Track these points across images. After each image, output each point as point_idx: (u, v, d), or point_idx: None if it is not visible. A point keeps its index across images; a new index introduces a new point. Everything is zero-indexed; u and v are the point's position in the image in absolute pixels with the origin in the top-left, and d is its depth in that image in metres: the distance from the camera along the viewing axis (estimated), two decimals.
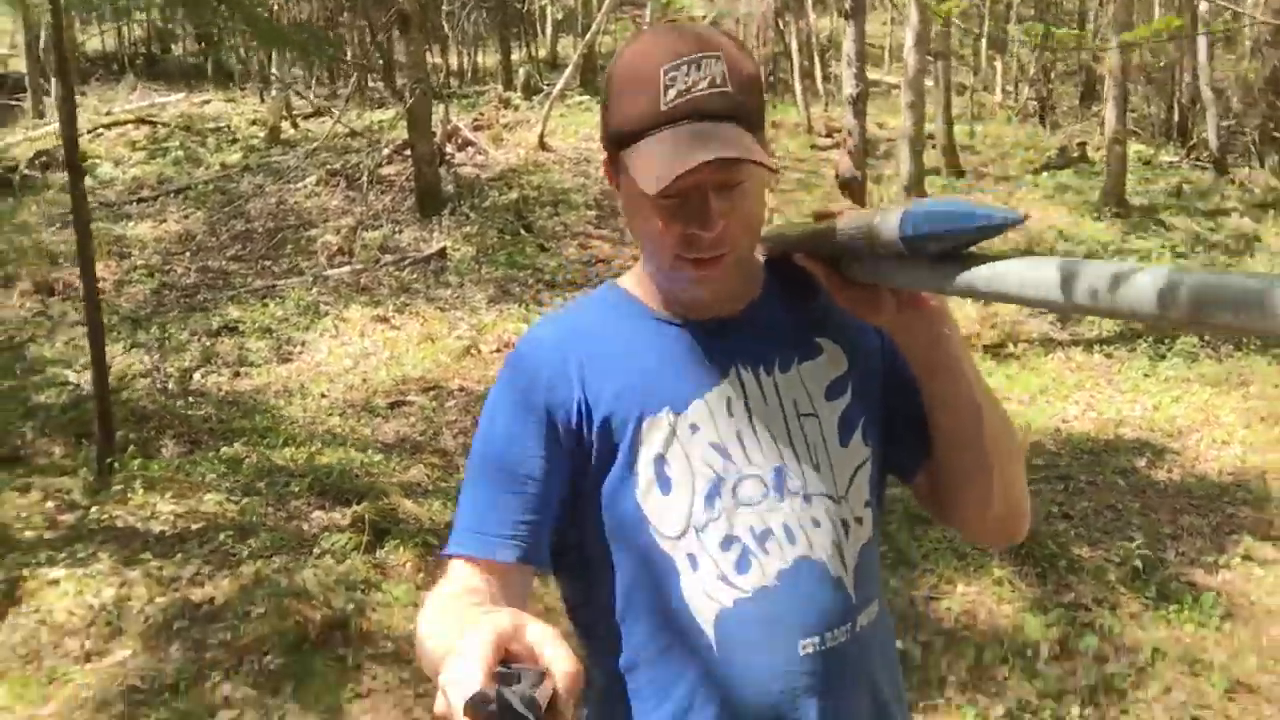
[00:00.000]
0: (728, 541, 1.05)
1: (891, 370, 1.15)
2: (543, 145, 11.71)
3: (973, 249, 0.86)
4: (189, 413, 6.28)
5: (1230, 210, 9.72)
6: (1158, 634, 3.94)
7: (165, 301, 8.81)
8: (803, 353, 1.12)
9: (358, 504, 4.79)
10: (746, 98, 1.01)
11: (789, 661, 1.03)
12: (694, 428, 1.07)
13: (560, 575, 1.11)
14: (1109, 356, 6.90)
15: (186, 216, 11.02)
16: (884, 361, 1.16)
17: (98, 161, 12.68)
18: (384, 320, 7.99)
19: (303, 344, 7.65)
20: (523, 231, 9.82)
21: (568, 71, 12.96)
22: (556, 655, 0.68)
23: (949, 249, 0.86)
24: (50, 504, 4.96)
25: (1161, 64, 12.26)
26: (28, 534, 4.67)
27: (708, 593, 1.04)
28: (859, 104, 6.32)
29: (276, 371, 7.21)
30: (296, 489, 5.03)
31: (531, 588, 1.05)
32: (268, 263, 9.81)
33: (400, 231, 10.08)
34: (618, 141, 1.04)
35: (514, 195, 10.65)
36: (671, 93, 0.99)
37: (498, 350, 7.38)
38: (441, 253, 9.34)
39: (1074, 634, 3.89)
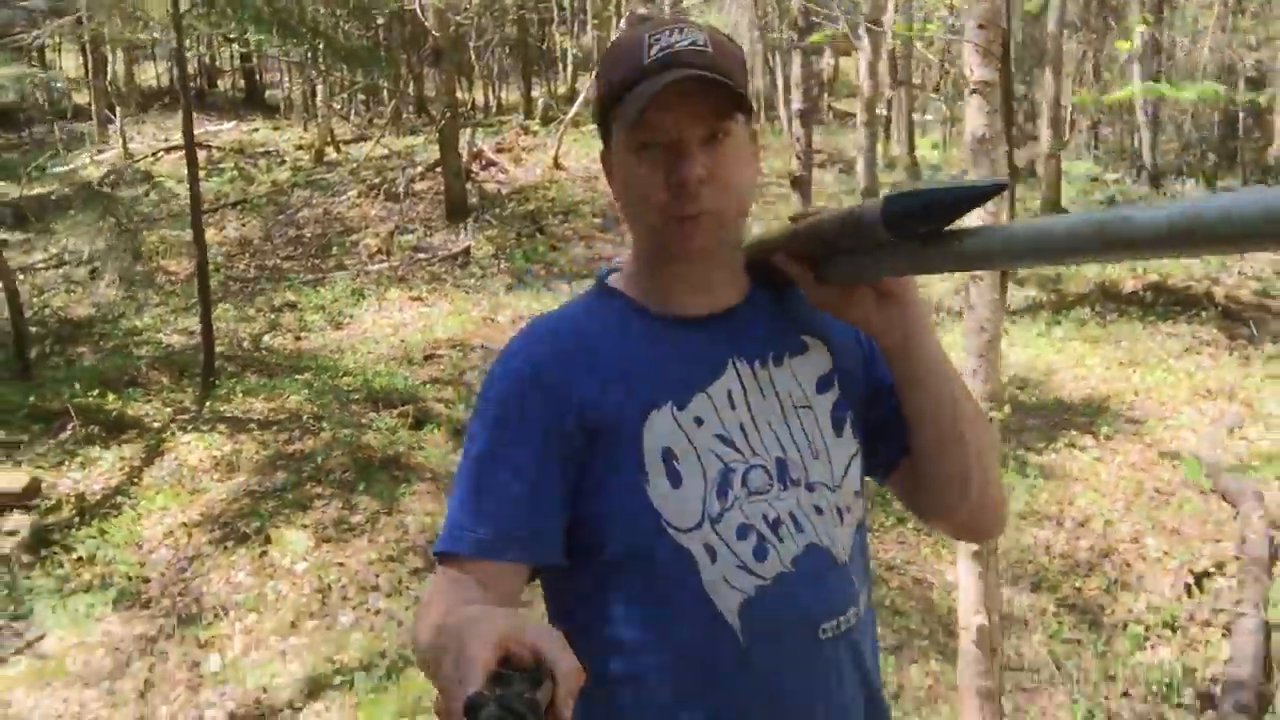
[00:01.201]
0: (744, 530, 1.07)
1: (871, 370, 1.20)
2: (557, 165, 13.64)
3: (954, 226, 0.91)
4: (265, 359, 8.14)
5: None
6: None
7: (231, 290, 10.71)
8: (791, 348, 1.16)
9: (402, 406, 6.60)
10: (728, 64, 1.06)
11: (813, 645, 1.08)
12: (699, 420, 1.09)
13: (564, 576, 1.11)
14: (1014, 323, 8.62)
15: (244, 225, 13.02)
16: (862, 362, 1.20)
17: (162, 179, 14.76)
18: (418, 300, 9.85)
19: (351, 316, 9.51)
20: (537, 234, 11.70)
21: (579, 100, 14.94)
22: (556, 656, 0.70)
23: (932, 225, 0.91)
24: (168, 409, 6.79)
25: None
26: (155, 423, 6.50)
27: (730, 582, 1.06)
28: (805, 117, 8.13)
29: (330, 336, 9.06)
30: (356, 398, 6.85)
31: (524, 588, 1.07)
32: (317, 261, 11.72)
33: (431, 235, 11.98)
34: (606, 110, 1.10)
35: (530, 206, 12.56)
36: (654, 49, 1.05)
37: (512, 320, 9.20)
38: (466, 251, 11.22)
39: None
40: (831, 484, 1.14)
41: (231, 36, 11.92)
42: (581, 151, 14.39)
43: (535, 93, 18.62)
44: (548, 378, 1.09)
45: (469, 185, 12.77)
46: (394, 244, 11.67)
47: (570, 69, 20.94)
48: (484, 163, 13.75)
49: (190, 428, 6.27)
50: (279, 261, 11.79)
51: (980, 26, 3.17)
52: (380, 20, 14.72)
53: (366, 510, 5.19)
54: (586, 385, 1.08)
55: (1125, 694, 4.31)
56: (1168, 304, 8.77)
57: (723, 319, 1.15)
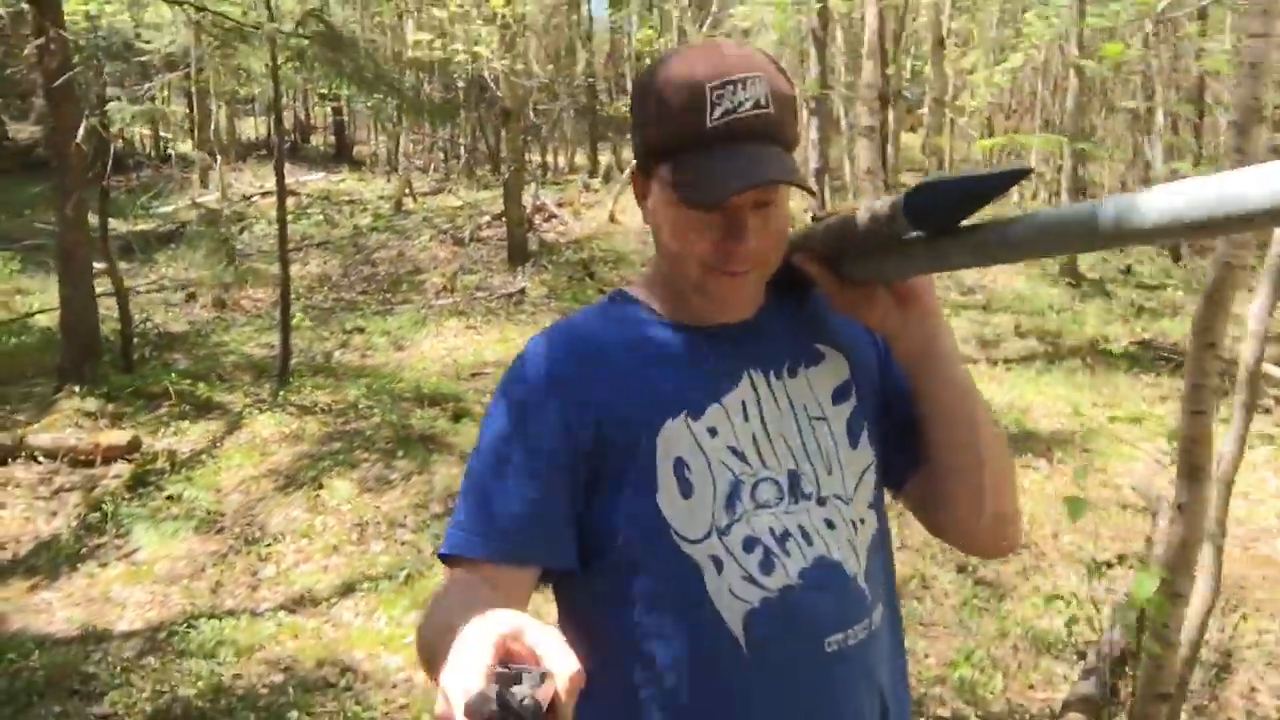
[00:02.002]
0: (750, 543, 1.10)
1: (886, 379, 1.25)
2: (613, 219, 14.99)
3: (970, 221, 0.92)
4: (332, 369, 9.48)
5: (1168, 286, 12.30)
6: None
7: (309, 316, 12.16)
8: (808, 358, 1.21)
9: (444, 404, 7.83)
10: (785, 118, 1.10)
11: (817, 658, 1.10)
12: (712, 431, 1.12)
13: (575, 580, 1.13)
14: (1008, 370, 9.56)
15: (325, 262, 14.58)
16: (879, 371, 1.25)
17: (255, 220, 16.48)
18: (472, 328, 11.17)
19: (411, 340, 10.85)
20: (587, 279, 12.98)
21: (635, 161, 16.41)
22: (557, 656, 0.71)
23: (952, 217, 0.93)
24: (247, 398, 8.13)
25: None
26: (236, 406, 7.83)
27: (735, 593, 1.09)
28: (819, 176, 9.34)
29: (392, 355, 10.39)
30: (406, 396, 8.10)
31: (532, 591, 1.10)
32: (387, 295, 13.15)
33: (492, 276, 13.36)
34: (658, 154, 1.12)
35: (585, 254, 13.89)
36: (718, 111, 1.06)
37: None
38: (522, 291, 12.55)
39: None
40: (845, 497, 1.16)
41: (323, 91, 13.59)
42: (636, 208, 15.75)
43: (603, 157, 20.13)
44: (563, 382, 1.11)
45: (530, 234, 14.16)
46: (457, 283, 13.06)
47: None
48: (546, 215, 15.17)
49: (265, 410, 7.58)
50: (354, 295, 13.26)
51: (867, 86, 4.33)
52: (461, 84, 16.38)
53: (402, 470, 6.40)
54: (602, 391, 1.11)
55: (1014, 647, 5.26)
56: (1155, 358, 9.64)
57: (740, 329, 1.18)
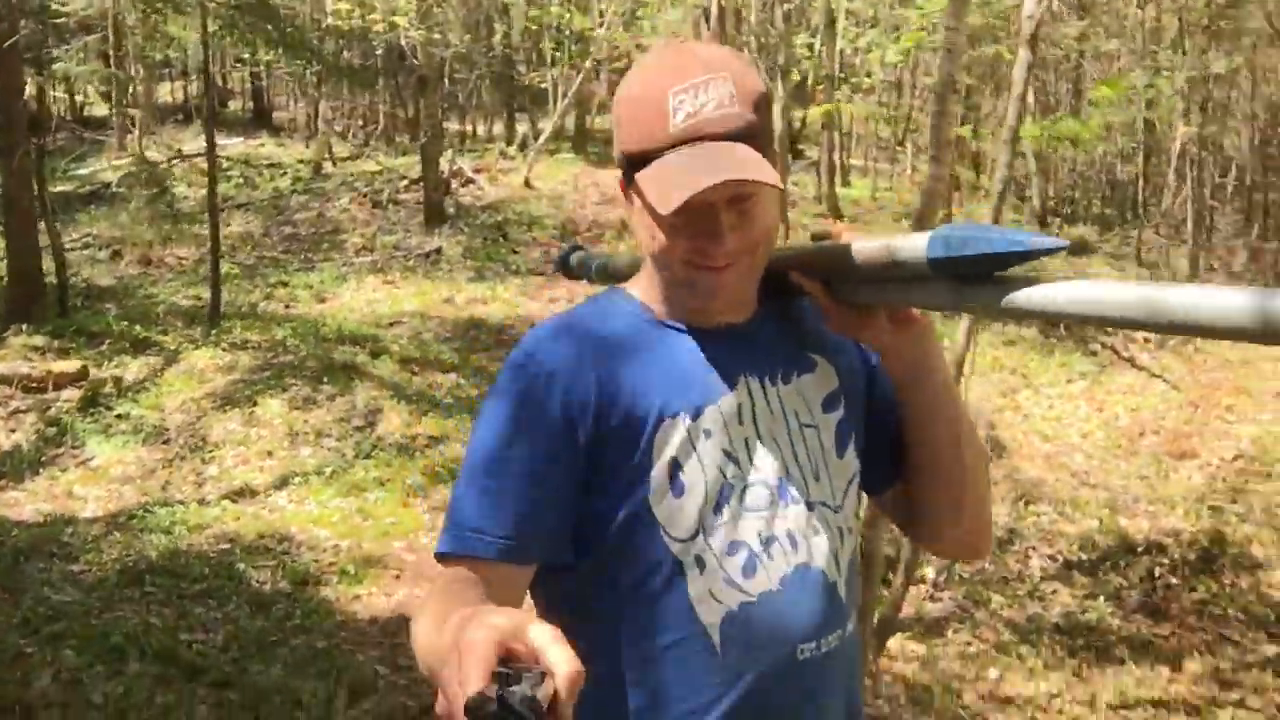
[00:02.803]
0: (734, 546, 1.14)
1: (871, 391, 1.28)
2: (528, 185, 16.01)
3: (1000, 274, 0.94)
4: (259, 316, 10.42)
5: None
6: None
7: (233, 273, 13.01)
8: (799, 366, 1.24)
9: (365, 344, 8.87)
10: (754, 115, 1.11)
11: (788, 665, 1.14)
12: (707, 433, 1.15)
13: (561, 574, 1.16)
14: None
15: (248, 222, 15.38)
16: (866, 381, 1.29)
17: (174, 183, 17.17)
18: (390, 283, 12.16)
19: (333, 293, 11.80)
20: (501, 239, 14.03)
21: (548, 128, 17.42)
22: (557, 656, 0.72)
23: (979, 271, 0.95)
24: (182, 338, 9.06)
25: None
26: (172, 345, 8.77)
27: (714, 595, 1.12)
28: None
29: (315, 306, 11.34)
30: (330, 337, 9.11)
31: (527, 587, 1.14)
32: (308, 254, 14.03)
33: (410, 238, 14.31)
34: (630, 164, 1.16)
35: (499, 218, 14.92)
36: (680, 115, 1.09)
37: (468, 301, 11.48)
38: (438, 250, 13.55)
39: None
40: (833, 504, 1.21)
41: (245, 57, 14.33)
42: (550, 174, 16.77)
43: (521, 127, 21.09)
44: (563, 376, 1.13)
45: (447, 198, 15.13)
46: (376, 243, 14.00)
47: (556, 105, 23.46)
48: (463, 179, 16.14)
49: (199, 346, 8.55)
50: (276, 254, 14.11)
51: None
52: (379, 52, 17.20)
53: (327, 393, 7.45)
54: (601, 387, 1.13)
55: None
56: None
57: (736, 334, 1.21)
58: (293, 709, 4.12)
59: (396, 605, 5.07)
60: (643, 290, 1.24)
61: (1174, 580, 6.02)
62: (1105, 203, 16.03)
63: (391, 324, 10.63)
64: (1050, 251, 0.93)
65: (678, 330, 1.20)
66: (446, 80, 17.13)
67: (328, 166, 17.69)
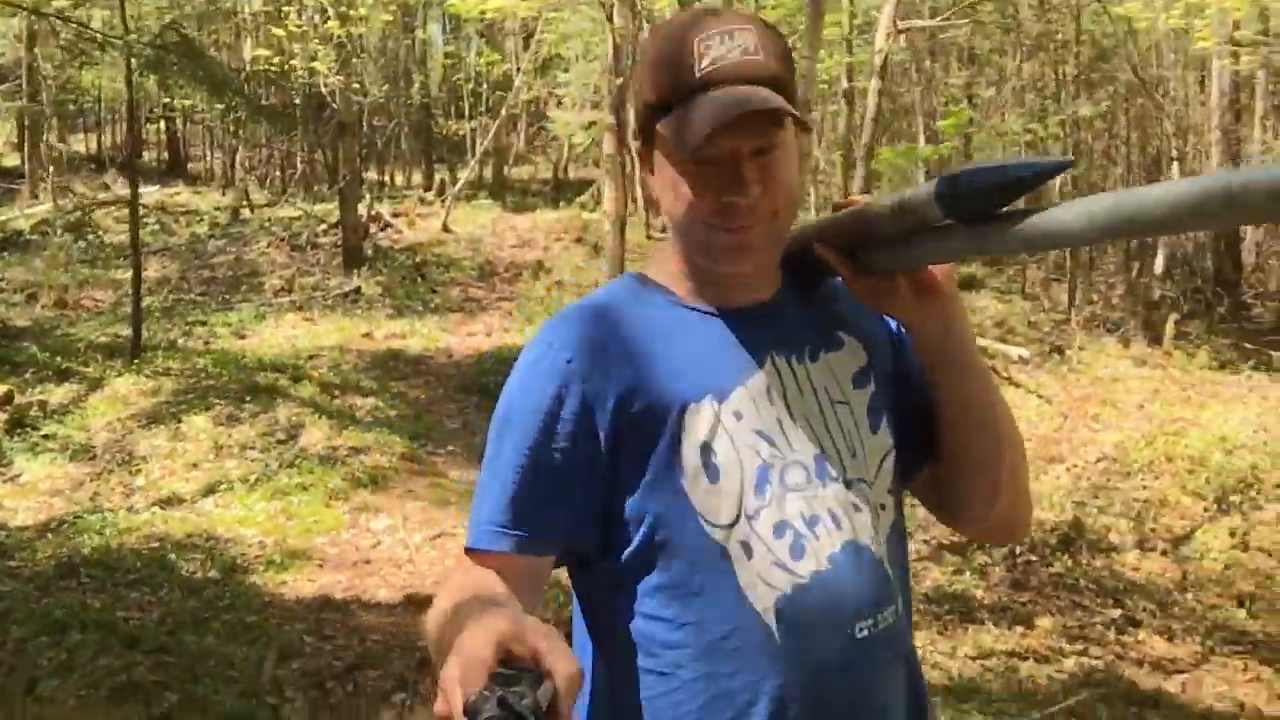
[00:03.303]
0: (780, 528, 1.12)
1: (901, 369, 1.27)
2: (446, 229, 16.57)
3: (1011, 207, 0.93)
4: (180, 350, 10.76)
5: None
6: None
7: (151, 314, 13.30)
8: (827, 343, 1.23)
9: (285, 371, 9.28)
10: (779, 66, 1.12)
11: (848, 644, 1.12)
12: (738, 415, 1.14)
13: (595, 568, 1.17)
14: None
15: (164, 267, 15.66)
16: (895, 360, 1.27)
17: (89, 229, 17.38)
18: (309, 320, 12.59)
19: (252, 331, 12.17)
20: (420, 279, 14.53)
21: (466, 174, 18.06)
22: (557, 657, 0.74)
23: (989, 205, 0.94)
24: (105, 369, 9.37)
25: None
26: (96, 373, 9.08)
27: (766, 580, 1.11)
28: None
29: (235, 343, 11.69)
30: (250, 364, 9.50)
31: (547, 579, 1.15)
32: (227, 296, 14.37)
33: (329, 279, 14.74)
34: (651, 114, 1.15)
35: (418, 259, 15.43)
36: (705, 60, 1.10)
37: (386, 336, 11.93)
38: (357, 289, 14.00)
39: None
40: (869, 480, 1.20)
41: (162, 105, 14.71)
42: (468, 219, 17.36)
43: (440, 176, 21.67)
44: (583, 366, 1.13)
45: (365, 241, 15.61)
46: (295, 284, 14.40)
47: (476, 155, 24.13)
48: (381, 224, 16.64)
49: (122, 374, 8.89)
50: (194, 296, 14.42)
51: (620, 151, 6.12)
52: (298, 100, 17.71)
53: (250, 410, 7.86)
54: (623, 375, 1.13)
55: None
56: None
57: (761, 313, 1.21)
58: (226, 669, 4.56)
59: (320, 589, 5.51)
60: (666, 273, 1.24)
61: (1034, 558, 6.71)
62: None
63: (311, 356, 11.02)
64: (1055, 171, 0.94)
65: (701, 313, 1.20)
66: (365, 127, 17.69)
67: (245, 213, 18.05)
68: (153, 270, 15.57)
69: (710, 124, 1.06)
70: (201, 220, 17.96)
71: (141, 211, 18.99)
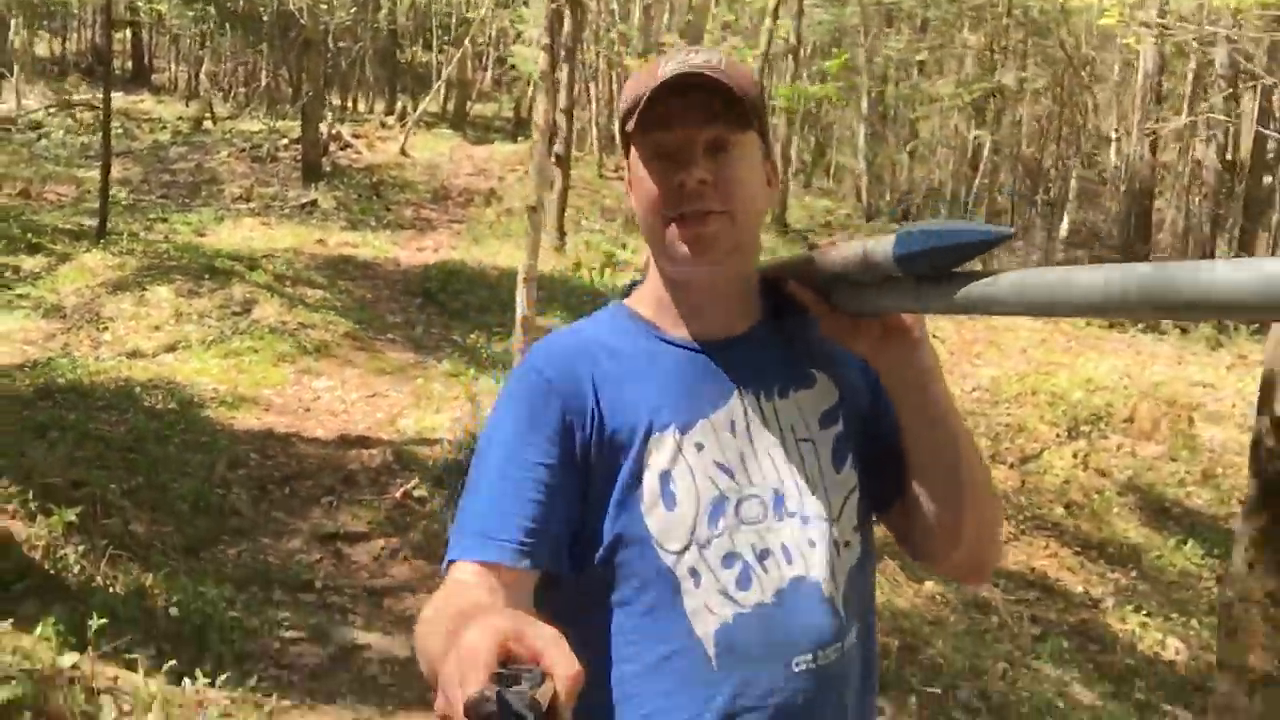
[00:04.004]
0: (730, 558, 1.18)
1: (875, 407, 1.30)
2: (404, 153, 17.42)
3: (959, 269, 1.00)
4: (143, 239, 11.62)
5: (853, 228, 15.86)
6: None
7: (115, 205, 14.09)
8: (798, 381, 1.28)
9: (243, 260, 10.20)
10: (744, 83, 1.19)
11: (783, 677, 1.17)
12: (699, 446, 1.21)
13: (559, 587, 1.20)
14: None
15: (126, 170, 16.39)
16: (869, 399, 1.30)
17: (51, 129, 18.05)
18: (266, 225, 13.44)
19: (211, 231, 13.03)
20: (375, 197, 15.41)
21: (426, 100, 18.88)
22: (557, 657, 0.75)
23: (941, 266, 1.00)
24: (71, 247, 10.23)
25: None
26: (65, 250, 9.95)
27: (709, 607, 1.17)
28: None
29: (194, 239, 12.55)
30: (209, 253, 10.40)
31: (530, 595, 1.16)
32: (187, 200, 15.17)
33: (287, 190, 15.57)
34: (622, 123, 1.22)
35: (375, 179, 16.29)
36: (670, 65, 1.18)
37: (339, 244, 12.84)
38: (314, 202, 14.86)
39: None
40: (829, 518, 1.23)
41: (131, 10, 15.39)
42: (427, 145, 18.22)
43: (403, 103, 22.44)
44: (565, 389, 1.20)
45: (325, 158, 16.43)
46: (254, 193, 15.23)
47: (444, 86, 24.86)
48: (341, 143, 17.46)
49: (89, 251, 9.77)
50: (154, 198, 15.21)
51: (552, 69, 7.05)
52: (265, 14, 18.42)
53: (209, 286, 8.81)
54: (598, 401, 1.20)
55: None
56: None
57: (733, 346, 1.26)
58: (183, 468, 5.56)
59: (265, 424, 6.52)
60: (644, 305, 1.30)
61: None
62: (927, 206, 18.28)
63: (265, 255, 11.93)
64: (1000, 240, 0.99)
65: (677, 346, 1.26)
66: (331, 48, 18.44)
67: (208, 124, 18.77)
68: (116, 171, 16.25)
69: (652, 85, 1.15)
70: (165, 128, 18.67)
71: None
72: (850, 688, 1.24)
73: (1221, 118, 14.65)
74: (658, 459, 1.19)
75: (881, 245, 1.03)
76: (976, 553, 1.29)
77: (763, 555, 1.18)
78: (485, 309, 10.05)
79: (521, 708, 0.69)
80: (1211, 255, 16.08)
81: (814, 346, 1.28)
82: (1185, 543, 7.59)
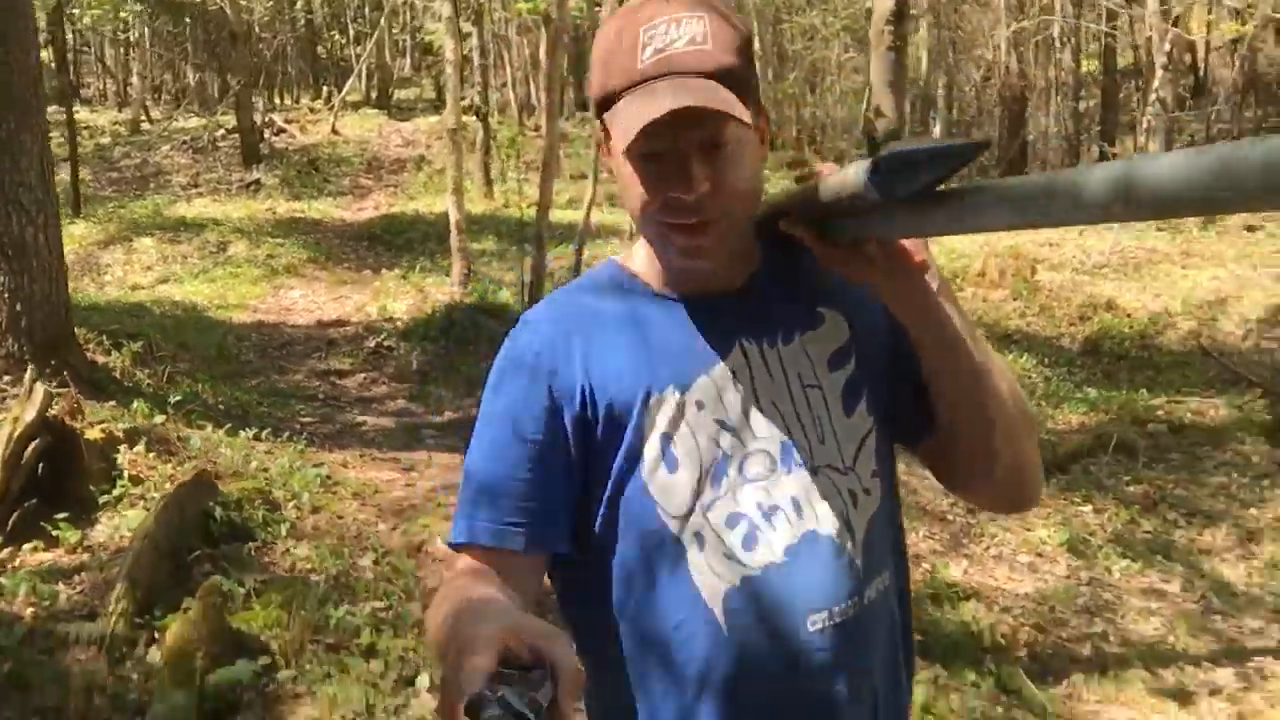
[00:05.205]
0: (734, 518, 1.16)
1: (896, 342, 1.24)
2: (335, 132, 19.06)
3: (943, 187, 0.96)
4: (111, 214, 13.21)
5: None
6: None
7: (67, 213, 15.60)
8: (804, 323, 1.24)
9: (205, 224, 11.84)
10: (729, 57, 1.11)
11: (798, 638, 1.14)
12: (700, 405, 1.17)
13: (569, 564, 1.21)
14: None
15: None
16: (890, 334, 1.25)
17: None
18: (218, 202, 15.07)
19: (169, 209, 14.61)
20: (314, 172, 17.06)
21: (350, 80, 20.53)
22: (558, 655, 0.77)
23: (919, 187, 0.96)
24: None
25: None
26: None
27: (715, 571, 1.15)
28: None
29: (154, 215, 14.15)
30: (176, 218, 12.02)
31: (543, 578, 1.19)
32: (138, 193, 16.71)
33: (231, 174, 17.17)
34: (602, 105, 1.16)
35: (311, 157, 17.93)
36: (648, 51, 1.10)
37: (289, 211, 14.49)
38: (257, 181, 16.48)
39: None
40: (841, 466, 1.20)
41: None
42: (355, 125, 19.87)
43: (327, 88, 24.01)
44: (554, 359, 1.19)
45: (261, 144, 18.04)
46: (200, 180, 16.82)
47: (367, 75, 26.44)
48: (275, 130, 19.06)
49: (74, 222, 11.37)
50: (105, 195, 16.73)
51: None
52: (187, 20, 19.92)
53: (186, 236, 10.50)
54: (590, 366, 1.18)
55: None
56: None
57: (733, 298, 1.22)
58: (200, 339, 7.28)
59: (256, 318, 8.23)
60: (637, 261, 1.27)
61: None
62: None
63: (225, 221, 13.57)
64: (978, 150, 0.97)
65: (671, 300, 1.22)
66: (255, 40, 20.00)
67: (145, 125, 20.27)
68: (63, 174, 17.79)
69: (639, 123, 1.06)
70: (104, 133, 20.14)
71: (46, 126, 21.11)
72: (877, 642, 1.22)
73: (1076, 22, 16.68)
74: (658, 422, 1.17)
75: (859, 171, 0.99)
76: (1014, 482, 1.27)
77: (770, 512, 1.17)
78: (425, 240, 11.79)
79: (522, 707, 0.71)
80: (1077, 150, 18.19)
81: (822, 284, 1.24)
82: (1021, 358, 9.48)
